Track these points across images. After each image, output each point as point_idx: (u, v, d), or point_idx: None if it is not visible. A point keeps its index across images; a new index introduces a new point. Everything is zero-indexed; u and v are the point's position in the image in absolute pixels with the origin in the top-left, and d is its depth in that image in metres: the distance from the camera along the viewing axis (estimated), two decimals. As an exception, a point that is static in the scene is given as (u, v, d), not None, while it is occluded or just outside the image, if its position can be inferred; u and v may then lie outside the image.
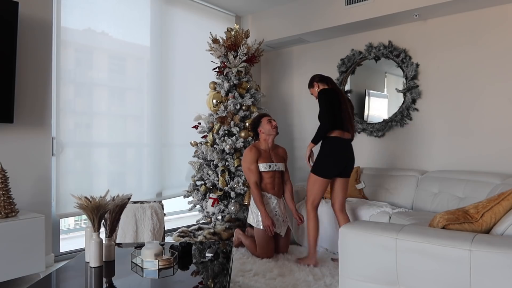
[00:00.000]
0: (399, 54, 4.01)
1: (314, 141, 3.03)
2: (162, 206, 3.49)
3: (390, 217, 3.12)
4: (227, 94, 3.97)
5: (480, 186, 3.11)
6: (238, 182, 3.71)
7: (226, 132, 3.88)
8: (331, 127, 2.98)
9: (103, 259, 2.07)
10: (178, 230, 3.86)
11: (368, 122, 4.32)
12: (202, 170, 3.90)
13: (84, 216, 3.17)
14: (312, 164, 3.11)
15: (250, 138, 3.87)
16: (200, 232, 3.82)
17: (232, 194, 3.69)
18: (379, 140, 4.25)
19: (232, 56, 3.95)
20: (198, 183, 3.97)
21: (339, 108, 3.02)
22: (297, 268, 2.97)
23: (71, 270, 2.05)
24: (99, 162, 3.60)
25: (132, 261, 2.11)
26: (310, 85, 3.25)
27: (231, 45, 3.97)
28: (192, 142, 4.02)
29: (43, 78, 3.13)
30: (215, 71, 4.10)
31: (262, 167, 3.34)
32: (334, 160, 3.05)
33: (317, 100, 3.08)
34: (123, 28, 3.74)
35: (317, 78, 3.20)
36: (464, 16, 3.67)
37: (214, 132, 3.89)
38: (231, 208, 3.69)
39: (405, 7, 3.62)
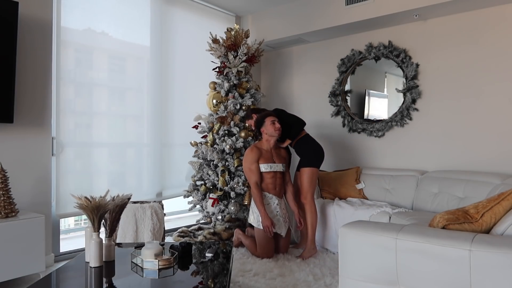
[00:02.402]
0: (399, 54, 4.01)
1: (291, 137, 3.53)
2: (162, 206, 3.49)
3: (390, 217, 3.12)
4: (227, 94, 3.97)
5: (480, 186, 3.11)
6: (238, 182, 3.71)
7: (226, 132, 3.87)
8: (301, 127, 3.55)
9: (103, 259, 2.07)
10: (178, 230, 3.86)
11: (368, 122, 4.31)
12: (202, 170, 3.90)
13: (84, 216, 3.17)
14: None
15: (250, 138, 3.87)
16: (200, 232, 3.82)
17: (232, 194, 3.69)
18: (379, 140, 4.25)
19: (232, 56, 3.94)
20: (198, 183, 3.97)
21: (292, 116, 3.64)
22: (297, 268, 2.97)
23: (71, 270, 2.05)
24: (99, 162, 3.60)
25: (132, 261, 2.12)
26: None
27: (231, 45, 3.97)
28: (192, 142, 4.02)
29: (43, 78, 3.13)
30: (215, 71, 4.09)
31: (263, 167, 3.34)
32: (318, 151, 3.52)
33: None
34: (123, 28, 3.75)
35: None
36: (464, 16, 3.67)
37: (214, 132, 3.89)
38: (231, 208, 3.69)
39: (405, 7, 3.62)
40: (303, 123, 3.57)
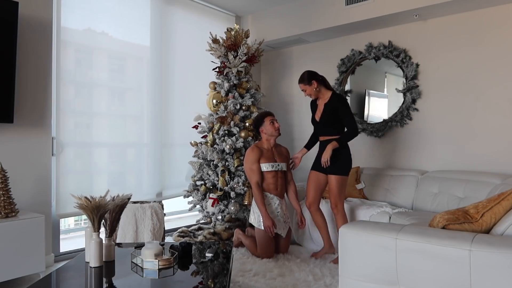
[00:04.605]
0: (399, 54, 4.01)
1: (341, 144, 3.08)
2: (162, 206, 3.49)
3: (390, 217, 3.12)
4: (227, 94, 3.97)
5: (480, 186, 3.11)
6: (238, 182, 3.71)
7: (226, 132, 3.87)
8: (352, 138, 3.12)
9: (103, 259, 2.07)
10: (178, 230, 3.86)
11: (368, 122, 4.32)
12: (202, 170, 3.90)
13: (84, 216, 3.17)
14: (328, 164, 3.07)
15: (250, 138, 3.87)
16: (200, 232, 3.82)
17: (232, 194, 3.69)
18: (379, 140, 4.25)
19: (232, 56, 3.94)
20: (198, 183, 3.97)
21: None
22: (297, 268, 2.97)
23: (71, 270, 2.05)
24: (99, 162, 3.60)
25: (132, 261, 2.11)
26: (308, 82, 3.19)
27: (231, 45, 3.97)
28: (192, 142, 4.02)
29: (43, 78, 3.13)
30: (215, 71, 4.09)
31: (265, 167, 3.33)
32: (351, 158, 3.23)
33: (333, 103, 3.14)
34: (123, 28, 3.74)
35: (315, 77, 3.19)
36: (464, 16, 3.67)
37: (214, 132, 3.89)
38: (231, 208, 3.69)
39: (405, 7, 3.61)
40: (356, 135, 3.12)
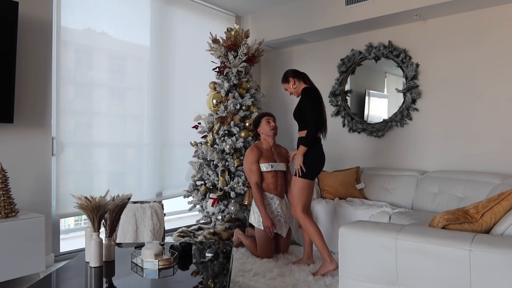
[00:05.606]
0: (399, 54, 4.01)
1: (307, 144, 2.90)
2: (162, 206, 3.49)
3: (390, 217, 3.13)
4: (227, 94, 3.97)
5: (480, 186, 3.11)
6: (238, 182, 3.71)
7: (226, 132, 3.88)
8: (316, 130, 2.88)
9: (103, 259, 2.07)
10: (178, 230, 3.86)
11: (368, 122, 4.32)
12: (202, 170, 3.90)
13: (84, 216, 3.17)
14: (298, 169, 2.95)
15: (250, 138, 3.87)
16: (200, 232, 3.82)
17: (232, 194, 3.69)
18: (379, 140, 4.25)
19: (232, 56, 3.95)
20: (198, 183, 3.97)
21: (320, 110, 2.94)
22: (297, 268, 2.97)
23: (71, 270, 2.05)
24: (99, 162, 3.60)
25: (132, 261, 2.12)
26: (285, 80, 3.11)
27: (231, 45, 3.97)
28: (192, 142, 4.02)
29: (43, 78, 3.13)
30: (215, 71, 4.10)
31: (264, 167, 3.33)
32: (320, 160, 2.99)
33: (300, 97, 3.03)
34: (123, 28, 3.74)
35: (292, 74, 3.08)
36: (464, 16, 3.67)
37: (214, 132, 3.89)
38: (231, 208, 3.69)
39: (405, 7, 3.62)
40: (319, 126, 2.89)
